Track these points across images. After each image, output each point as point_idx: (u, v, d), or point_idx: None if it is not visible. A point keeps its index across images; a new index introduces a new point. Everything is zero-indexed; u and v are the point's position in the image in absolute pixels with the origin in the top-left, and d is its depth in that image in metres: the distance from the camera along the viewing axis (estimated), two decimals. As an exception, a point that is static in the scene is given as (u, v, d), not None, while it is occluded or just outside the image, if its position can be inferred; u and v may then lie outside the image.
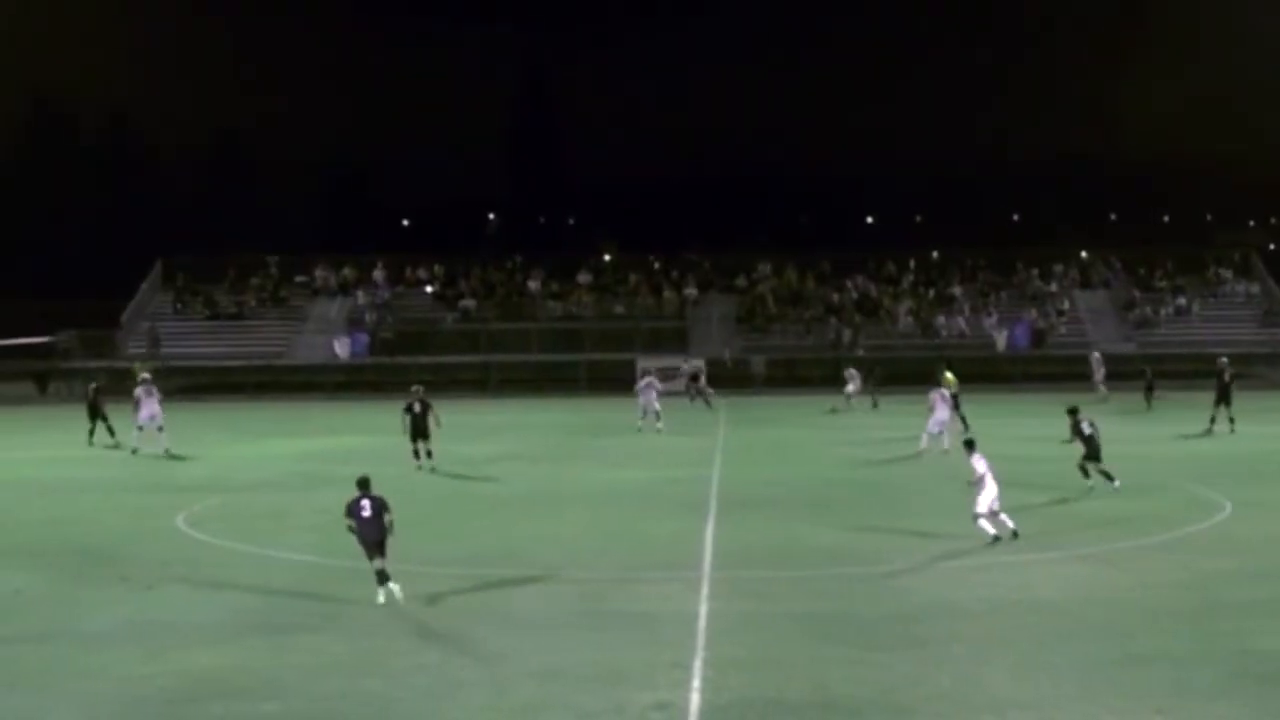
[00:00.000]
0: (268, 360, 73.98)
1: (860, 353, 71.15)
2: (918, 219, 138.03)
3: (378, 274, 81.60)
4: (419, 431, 39.79)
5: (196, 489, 36.02)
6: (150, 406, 43.78)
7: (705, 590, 23.40)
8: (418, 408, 39.72)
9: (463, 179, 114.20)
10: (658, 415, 50.06)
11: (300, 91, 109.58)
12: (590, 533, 29.41)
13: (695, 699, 17.28)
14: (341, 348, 75.14)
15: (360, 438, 47.92)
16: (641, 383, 52.26)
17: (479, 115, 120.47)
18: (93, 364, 69.43)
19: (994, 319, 76.56)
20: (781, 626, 20.97)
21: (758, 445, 46.48)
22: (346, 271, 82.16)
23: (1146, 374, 58.11)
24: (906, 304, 78.19)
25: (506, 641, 20.13)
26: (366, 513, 22.62)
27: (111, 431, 45.59)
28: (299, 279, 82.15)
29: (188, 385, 67.11)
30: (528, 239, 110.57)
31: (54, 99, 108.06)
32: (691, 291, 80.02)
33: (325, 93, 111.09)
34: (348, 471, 38.67)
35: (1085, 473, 33.84)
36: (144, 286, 80.00)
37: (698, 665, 18.71)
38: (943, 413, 42.30)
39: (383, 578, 22.59)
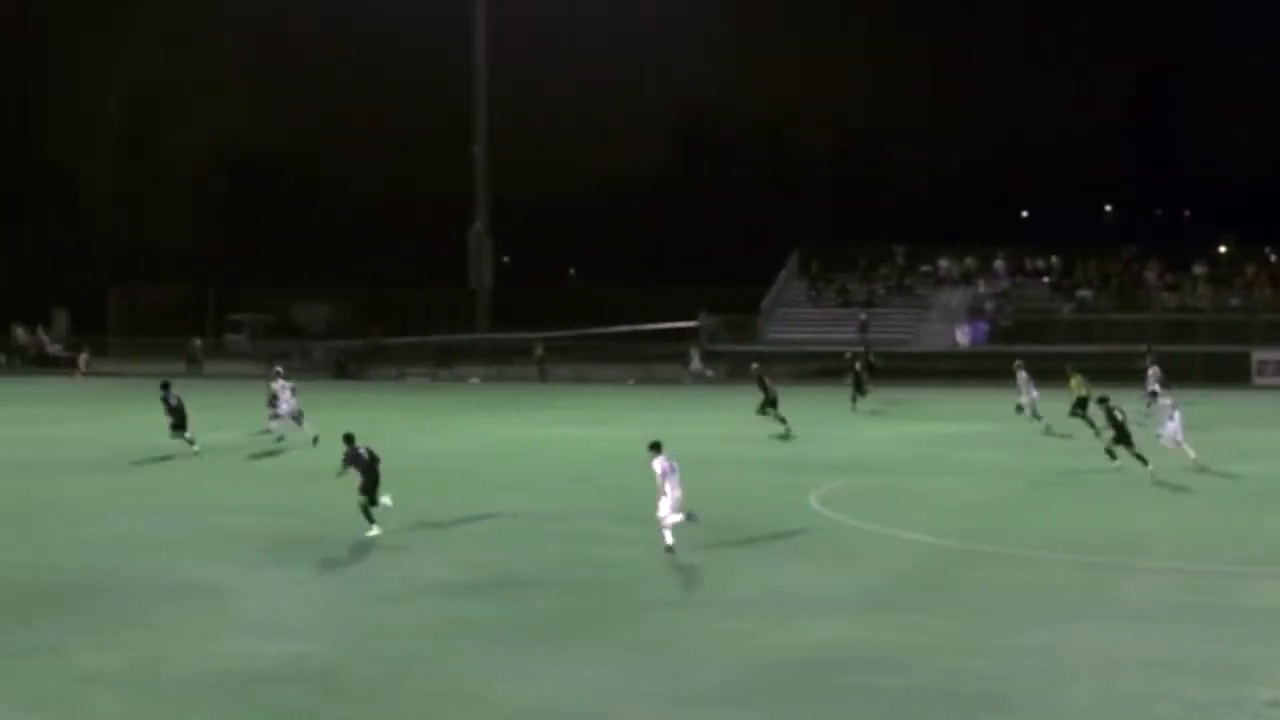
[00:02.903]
0: (894, 347, 74.54)
1: None
2: None
3: (998, 264, 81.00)
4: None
5: (828, 469, 36.75)
6: (291, 402, 42.07)
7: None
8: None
9: (1078, 172, 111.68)
10: None
11: (915, 96, 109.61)
12: (1204, 525, 28.53)
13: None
14: (963, 335, 75.09)
15: (982, 424, 47.76)
16: None
17: (1093, 109, 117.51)
18: (738, 348, 71.81)
19: None
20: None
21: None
22: (968, 261, 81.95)
23: None
24: None
25: (1116, 630, 19.87)
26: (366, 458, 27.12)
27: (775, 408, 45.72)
28: (924, 268, 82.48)
29: (820, 369, 68.36)
30: (1143, 231, 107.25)
31: (703, 108, 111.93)
32: (1310, 283, 75.93)
33: (932, 97, 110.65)
34: (968, 456, 39.20)
35: (1112, 455, 34.45)
36: (782, 274, 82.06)
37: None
38: None
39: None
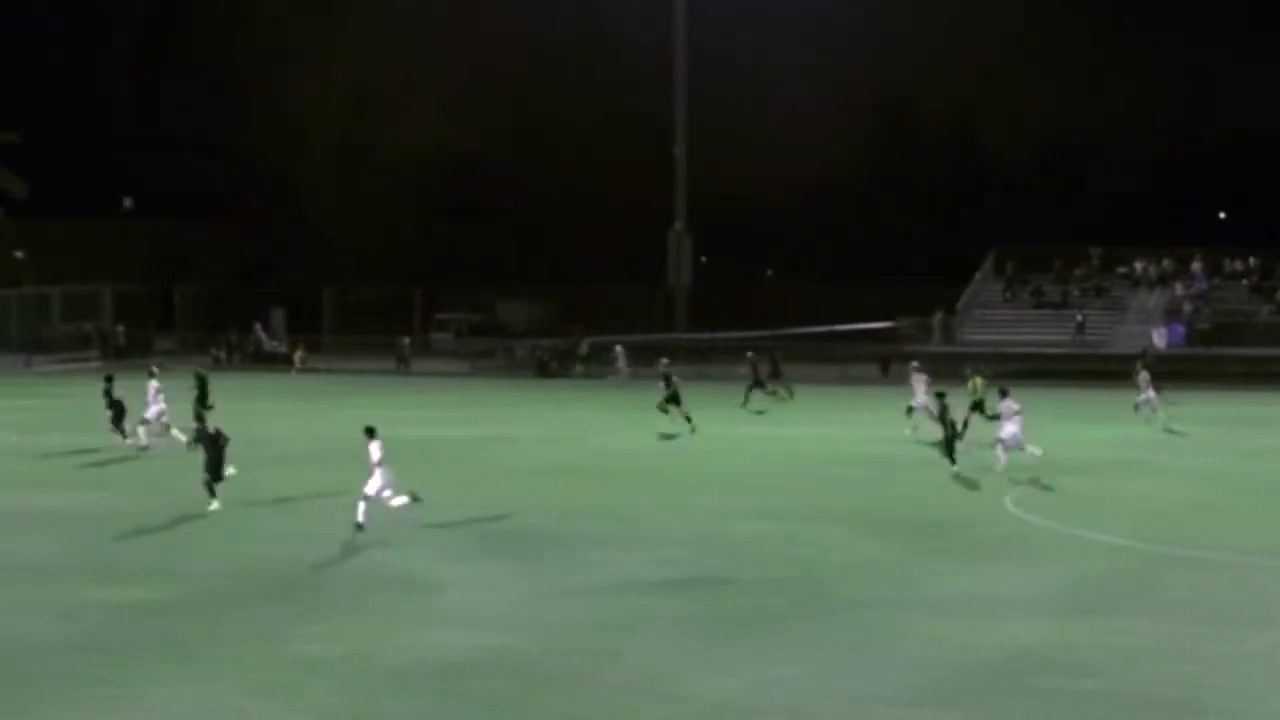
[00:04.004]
0: (1090, 349, 73.29)
1: None
2: None
3: (1195, 266, 79.24)
4: None
5: (1023, 470, 36.23)
6: (159, 404, 40.11)
7: None
8: None
9: (1279, 172, 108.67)
10: None
11: (1112, 96, 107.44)
12: None
13: None
14: (1159, 338, 73.55)
15: (1183, 426, 46.63)
16: None
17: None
18: (932, 349, 71.22)
19: None
20: None
21: None
22: (1165, 263, 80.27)
23: None
24: None
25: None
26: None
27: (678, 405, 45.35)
28: (1120, 270, 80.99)
29: (1021, 370, 67.32)
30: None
31: (900, 108, 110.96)
32: None
33: (1129, 96, 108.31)
34: (1168, 459, 38.37)
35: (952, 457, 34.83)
36: (978, 276, 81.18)
37: None
38: None
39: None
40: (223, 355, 78.72)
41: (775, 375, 54.74)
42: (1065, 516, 29.10)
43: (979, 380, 43.10)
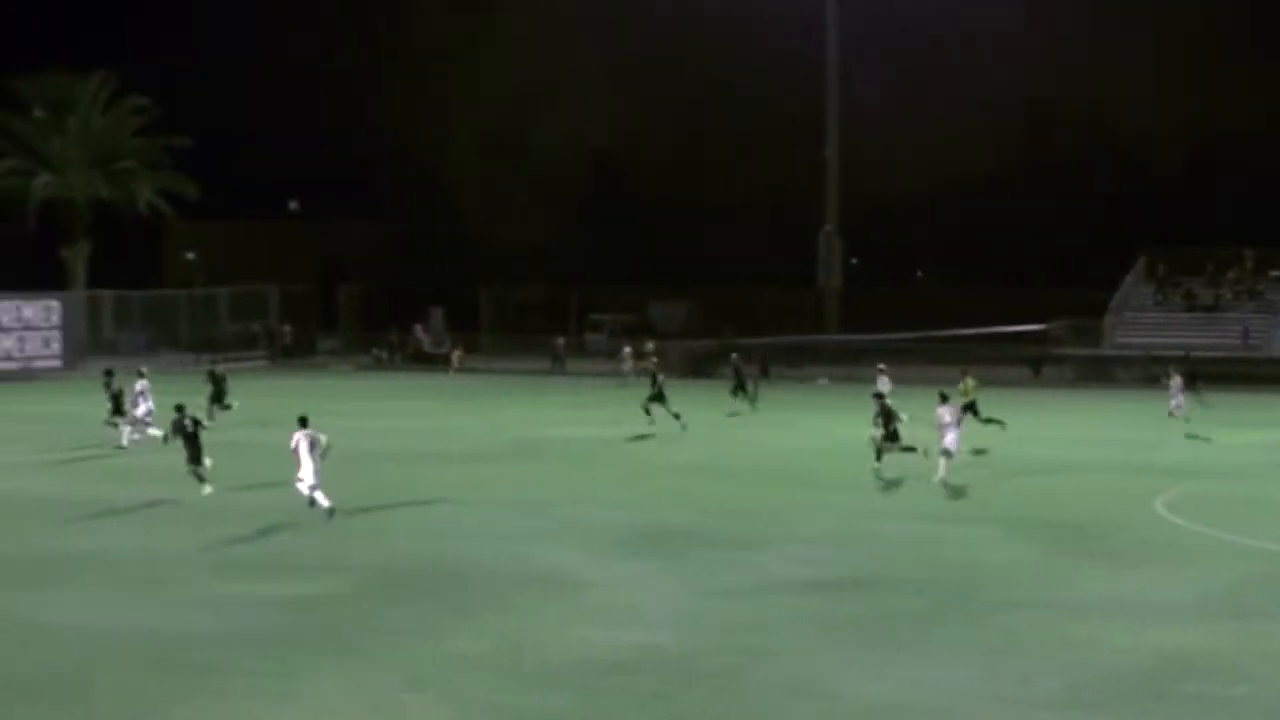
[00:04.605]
0: (1243, 351, 71.70)
1: None
2: None
3: (1353, 268, 77.30)
4: None
5: (1175, 474, 35.60)
6: (148, 403, 39.93)
7: None
8: None
9: None
10: None
11: (1267, 97, 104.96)
12: None
13: None
14: (1314, 342, 71.78)
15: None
16: None
17: None
18: (1083, 351, 70.20)
19: None
20: None
21: None
22: (1322, 265, 78.36)
23: None
24: None
25: None
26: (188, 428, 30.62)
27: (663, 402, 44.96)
28: (1273, 274, 79.15)
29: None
30: None
31: (1050, 107, 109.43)
32: None
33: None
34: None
35: (879, 455, 34.43)
36: (1128, 279, 79.80)
37: None
38: None
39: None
40: (384, 355, 79.88)
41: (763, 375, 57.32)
42: (1218, 521, 28.52)
43: (970, 381, 42.95)
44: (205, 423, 33.75)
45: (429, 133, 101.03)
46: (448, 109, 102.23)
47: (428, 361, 78.66)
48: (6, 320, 67.92)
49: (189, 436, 30.72)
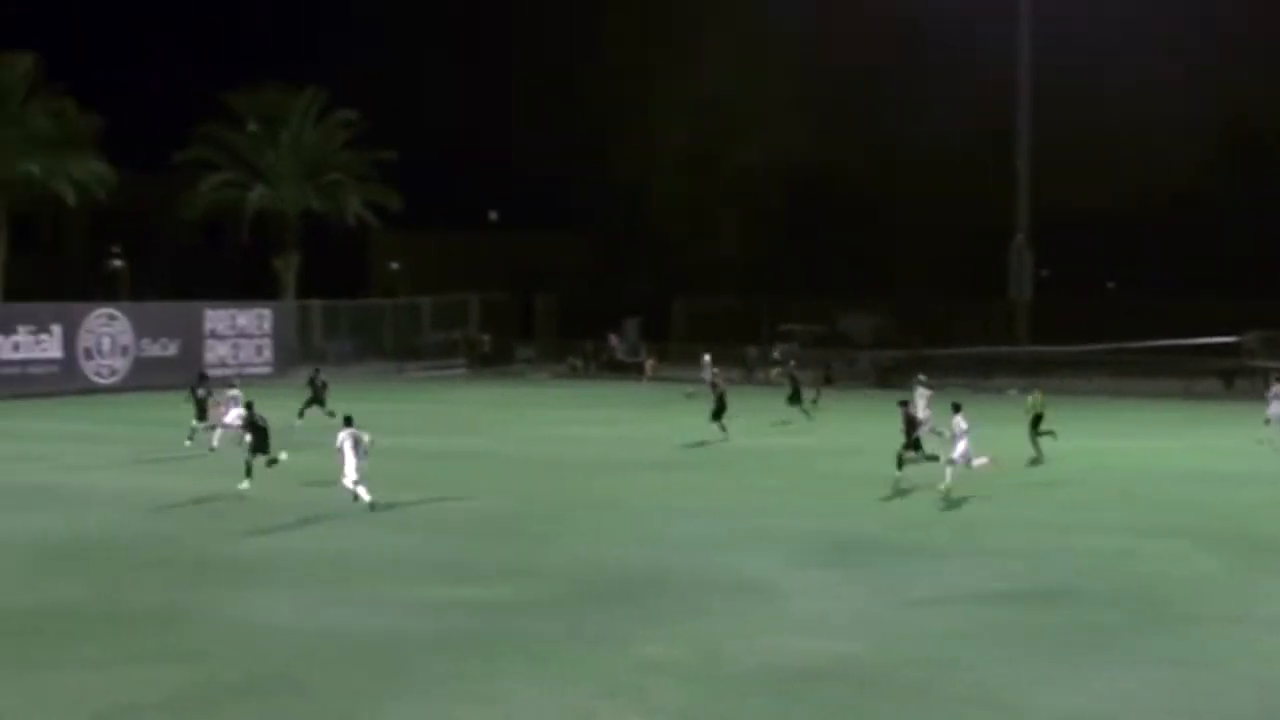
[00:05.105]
0: None
1: None
2: None
3: None
4: None
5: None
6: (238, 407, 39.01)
7: None
8: None
9: None
10: None
11: None
12: None
13: None
14: None
15: None
16: None
17: None
18: (1275, 364, 68.40)
19: None
20: None
21: None
22: None
23: None
24: None
25: None
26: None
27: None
28: None
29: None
30: None
31: (1250, 113, 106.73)
32: None
33: None
34: None
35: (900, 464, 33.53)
36: (1328, 290, 77.70)
37: None
38: None
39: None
40: (580, 364, 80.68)
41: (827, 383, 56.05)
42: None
43: (1038, 396, 41.58)
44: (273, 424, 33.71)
45: (629, 148, 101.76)
46: (648, 126, 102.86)
47: (621, 370, 79.23)
48: (221, 328, 69.91)
49: (256, 429, 32.25)
